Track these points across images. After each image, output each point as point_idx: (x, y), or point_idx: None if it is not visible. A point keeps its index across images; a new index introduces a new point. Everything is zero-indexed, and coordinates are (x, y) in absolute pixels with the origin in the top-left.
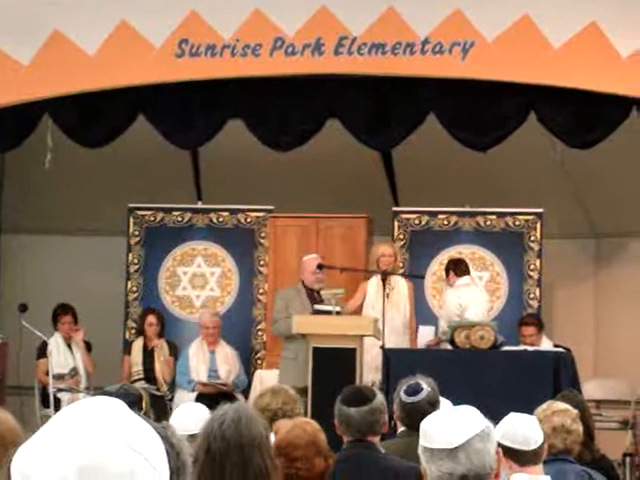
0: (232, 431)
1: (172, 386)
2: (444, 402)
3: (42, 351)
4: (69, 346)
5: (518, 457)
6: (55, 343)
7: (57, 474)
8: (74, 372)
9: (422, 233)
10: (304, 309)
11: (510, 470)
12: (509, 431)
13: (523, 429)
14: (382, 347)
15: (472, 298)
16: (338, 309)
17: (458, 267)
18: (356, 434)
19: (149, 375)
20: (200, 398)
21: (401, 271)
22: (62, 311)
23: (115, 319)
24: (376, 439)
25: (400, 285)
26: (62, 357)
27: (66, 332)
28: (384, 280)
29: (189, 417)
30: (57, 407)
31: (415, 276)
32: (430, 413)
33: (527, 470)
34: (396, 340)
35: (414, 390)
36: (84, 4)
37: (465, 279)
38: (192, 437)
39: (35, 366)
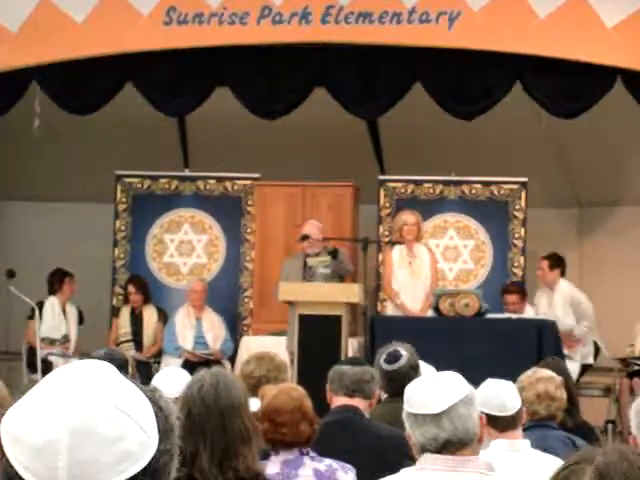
0: (211, 395)
1: (159, 352)
2: (428, 368)
3: (35, 312)
4: (64, 312)
5: (496, 423)
6: (50, 307)
7: (48, 436)
8: (65, 339)
9: (408, 201)
10: (297, 276)
11: (489, 436)
12: (486, 398)
13: (500, 395)
14: (364, 313)
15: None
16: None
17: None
18: (345, 390)
19: (136, 339)
20: (186, 364)
21: (387, 239)
22: (67, 275)
23: (102, 286)
24: (363, 404)
25: (422, 254)
26: (56, 321)
27: (68, 295)
28: (365, 249)
29: (171, 381)
30: (47, 372)
31: (396, 242)
32: (412, 377)
33: (506, 435)
34: (418, 307)
35: (393, 357)
36: None
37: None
38: (173, 400)
39: (26, 327)
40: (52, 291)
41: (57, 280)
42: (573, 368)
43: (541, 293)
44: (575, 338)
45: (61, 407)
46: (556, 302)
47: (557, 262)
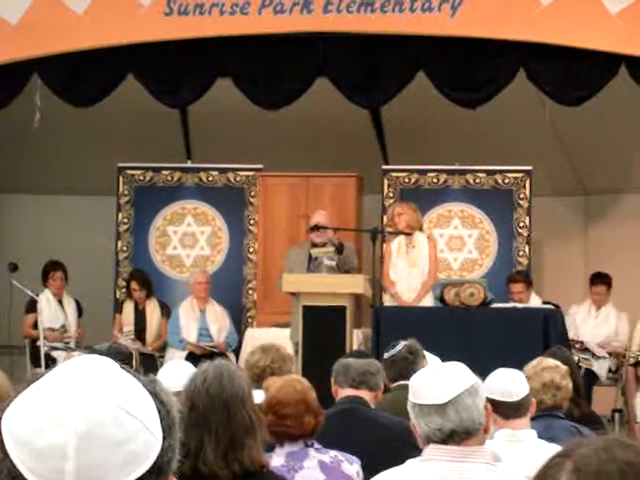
0: (215, 387)
1: (163, 346)
2: (433, 358)
3: (31, 307)
4: (60, 303)
5: (501, 409)
6: (46, 299)
7: (55, 439)
8: (63, 329)
9: (412, 191)
10: (302, 266)
11: (495, 424)
12: (491, 385)
13: (505, 381)
14: (372, 305)
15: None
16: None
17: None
18: (350, 382)
19: (140, 335)
20: (190, 357)
21: (390, 229)
22: (53, 267)
23: (106, 278)
24: (369, 396)
25: (421, 243)
26: (53, 313)
27: (57, 288)
28: (374, 240)
29: (176, 374)
30: (49, 366)
31: (400, 233)
32: (409, 360)
33: (511, 424)
34: (413, 296)
35: (392, 345)
36: None
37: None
38: (178, 393)
39: (24, 321)
40: (46, 283)
41: (47, 271)
42: (604, 366)
43: (578, 306)
44: (610, 346)
45: (67, 409)
46: (608, 316)
47: (610, 281)
